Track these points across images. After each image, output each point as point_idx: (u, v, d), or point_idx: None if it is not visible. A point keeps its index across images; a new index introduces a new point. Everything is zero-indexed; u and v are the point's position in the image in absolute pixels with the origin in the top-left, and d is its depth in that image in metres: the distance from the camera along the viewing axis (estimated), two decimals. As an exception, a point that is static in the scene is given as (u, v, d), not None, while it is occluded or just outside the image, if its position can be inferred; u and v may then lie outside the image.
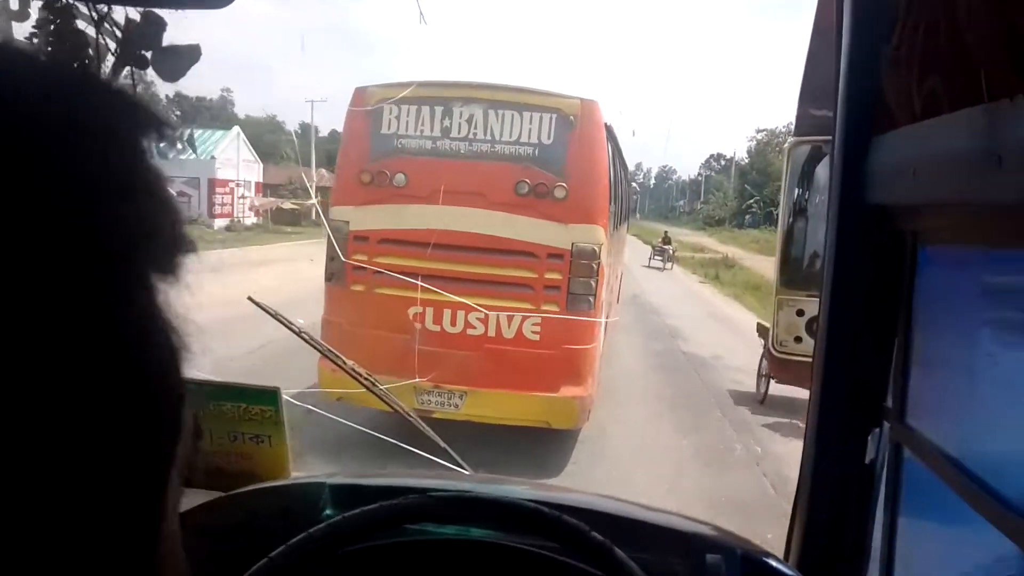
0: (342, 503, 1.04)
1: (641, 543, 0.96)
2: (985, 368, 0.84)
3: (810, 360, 1.09)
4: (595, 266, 5.56)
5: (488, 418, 5.59)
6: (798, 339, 2.51)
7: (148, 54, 1.13)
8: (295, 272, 11.52)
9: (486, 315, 5.54)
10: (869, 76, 0.94)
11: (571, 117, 5.45)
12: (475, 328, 5.58)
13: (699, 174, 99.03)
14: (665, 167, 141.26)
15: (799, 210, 2.73)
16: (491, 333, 5.58)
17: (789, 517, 1.12)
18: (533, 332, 5.57)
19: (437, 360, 5.46)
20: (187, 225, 0.30)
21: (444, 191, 5.47)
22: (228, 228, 31.14)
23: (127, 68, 1.17)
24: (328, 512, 1.05)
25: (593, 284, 5.59)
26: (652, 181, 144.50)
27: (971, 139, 0.66)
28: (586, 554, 0.80)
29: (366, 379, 1.75)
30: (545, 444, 5.98)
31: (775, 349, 2.61)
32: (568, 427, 5.86)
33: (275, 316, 1.75)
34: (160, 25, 1.11)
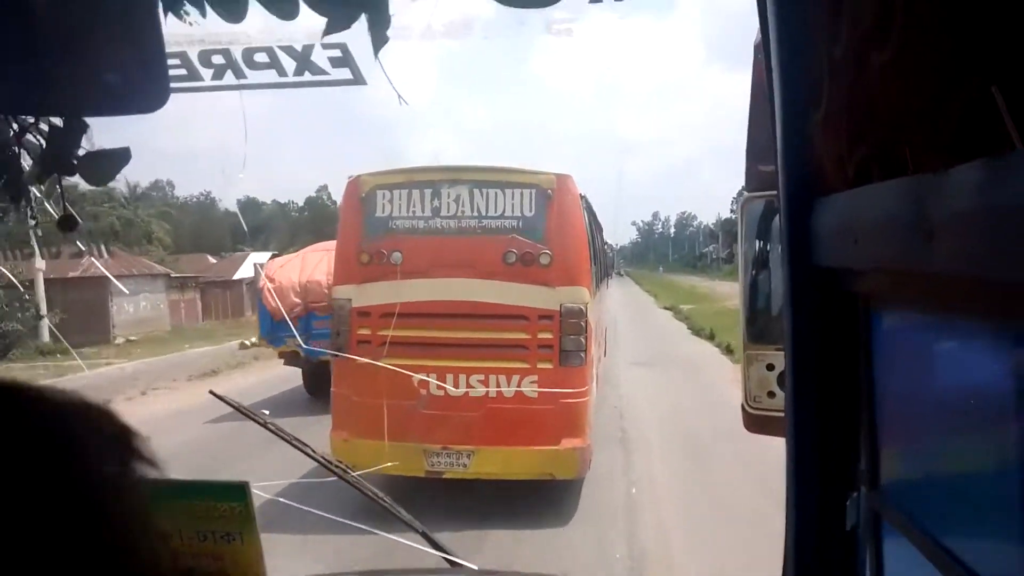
0: None
1: None
2: (944, 434, 0.84)
3: (783, 414, 1.07)
4: (583, 323, 5.97)
5: (495, 474, 5.93)
6: (771, 394, 2.52)
7: (75, 160, 1.14)
8: None
9: (486, 376, 5.94)
10: (804, 139, 0.95)
11: (548, 190, 5.96)
12: (476, 389, 5.97)
13: (732, 211, 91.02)
14: (684, 213, 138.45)
15: (759, 263, 2.75)
16: (492, 393, 5.96)
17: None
18: (531, 389, 5.94)
19: (443, 423, 5.84)
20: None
21: (438, 265, 5.97)
22: None
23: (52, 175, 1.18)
24: None
25: (583, 340, 5.98)
26: (672, 229, 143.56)
27: (903, 209, 0.67)
28: None
29: (337, 467, 1.79)
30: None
31: (749, 406, 2.59)
32: (571, 477, 6.16)
33: (239, 408, 1.81)
34: (83, 131, 1.13)
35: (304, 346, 10.24)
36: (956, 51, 0.61)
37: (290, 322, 10.27)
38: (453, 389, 5.98)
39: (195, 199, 65.21)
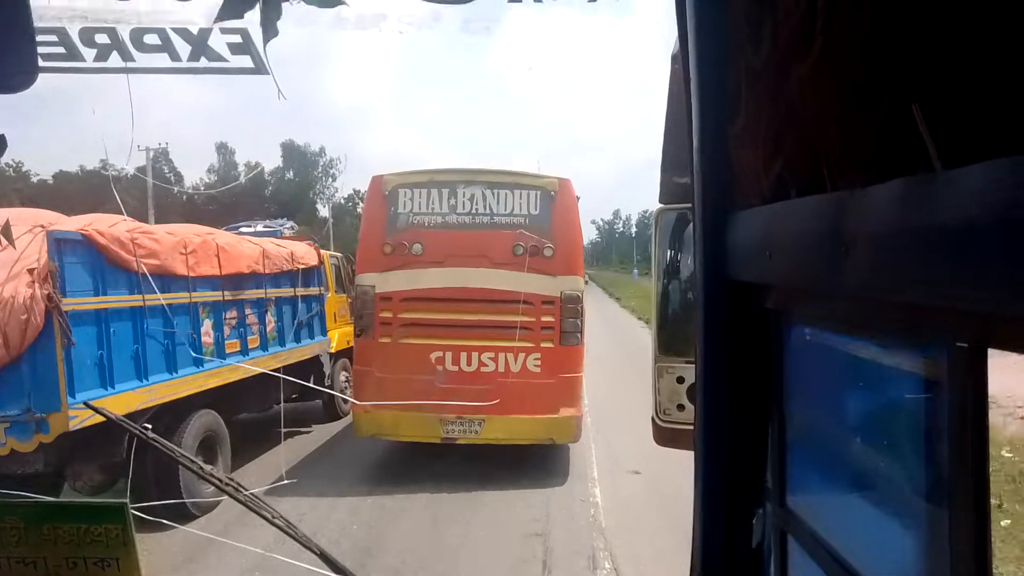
0: None
1: None
2: (850, 452, 0.83)
3: (692, 428, 1.05)
4: (580, 308, 6.88)
5: (503, 439, 6.81)
6: (680, 407, 2.50)
7: None
8: None
9: (496, 354, 6.80)
10: (719, 154, 0.93)
11: (552, 192, 6.86)
12: (487, 366, 6.83)
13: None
14: (647, 212, 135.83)
15: (671, 274, 2.74)
16: (501, 369, 6.83)
17: None
18: (535, 365, 6.83)
19: (457, 395, 6.67)
20: None
21: (454, 255, 6.82)
22: None
23: None
24: None
25: (579, 323, 6.90)
26: (633, 229, 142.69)
27: (820, 226, 0.67)
28: None
29: (228, 486, 1.68)
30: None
31: (659, 418, 2.55)
32: (567, 441, 7.08)
33: (118, 420, 1.74)
34: None
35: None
36: (877, 67, 0.60)
37: None
38: (466, 365, 6.82)
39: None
